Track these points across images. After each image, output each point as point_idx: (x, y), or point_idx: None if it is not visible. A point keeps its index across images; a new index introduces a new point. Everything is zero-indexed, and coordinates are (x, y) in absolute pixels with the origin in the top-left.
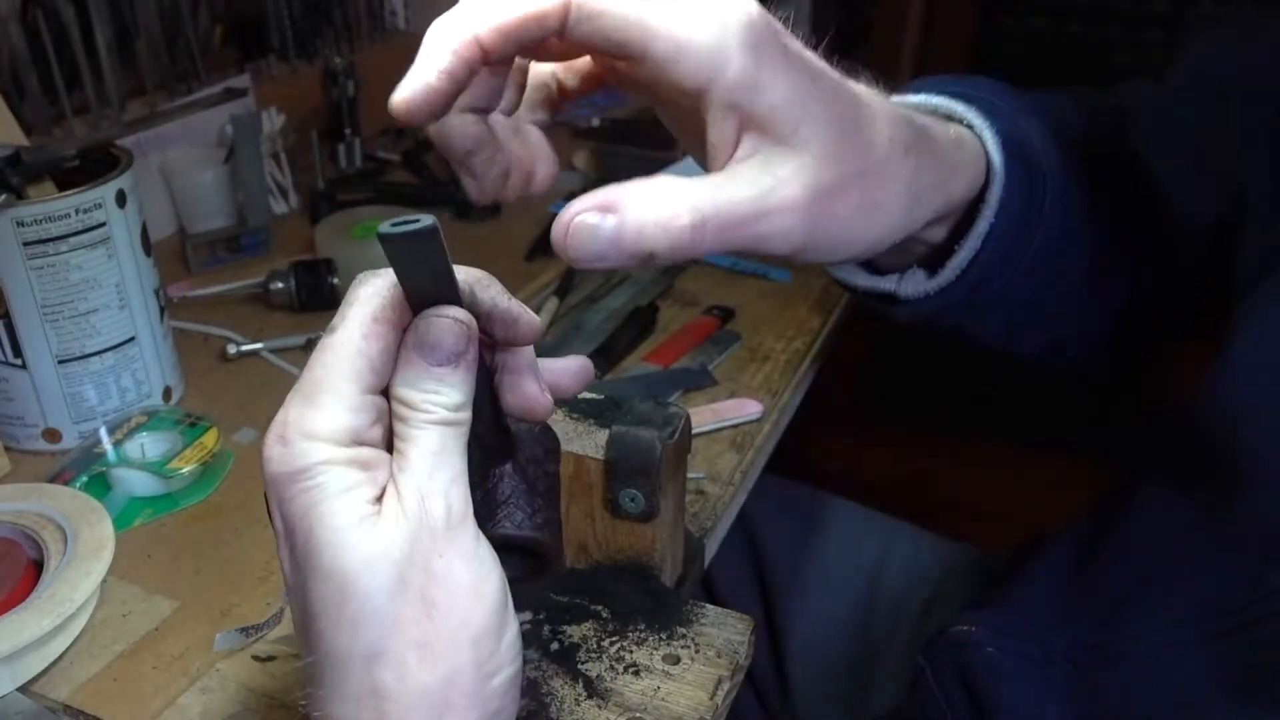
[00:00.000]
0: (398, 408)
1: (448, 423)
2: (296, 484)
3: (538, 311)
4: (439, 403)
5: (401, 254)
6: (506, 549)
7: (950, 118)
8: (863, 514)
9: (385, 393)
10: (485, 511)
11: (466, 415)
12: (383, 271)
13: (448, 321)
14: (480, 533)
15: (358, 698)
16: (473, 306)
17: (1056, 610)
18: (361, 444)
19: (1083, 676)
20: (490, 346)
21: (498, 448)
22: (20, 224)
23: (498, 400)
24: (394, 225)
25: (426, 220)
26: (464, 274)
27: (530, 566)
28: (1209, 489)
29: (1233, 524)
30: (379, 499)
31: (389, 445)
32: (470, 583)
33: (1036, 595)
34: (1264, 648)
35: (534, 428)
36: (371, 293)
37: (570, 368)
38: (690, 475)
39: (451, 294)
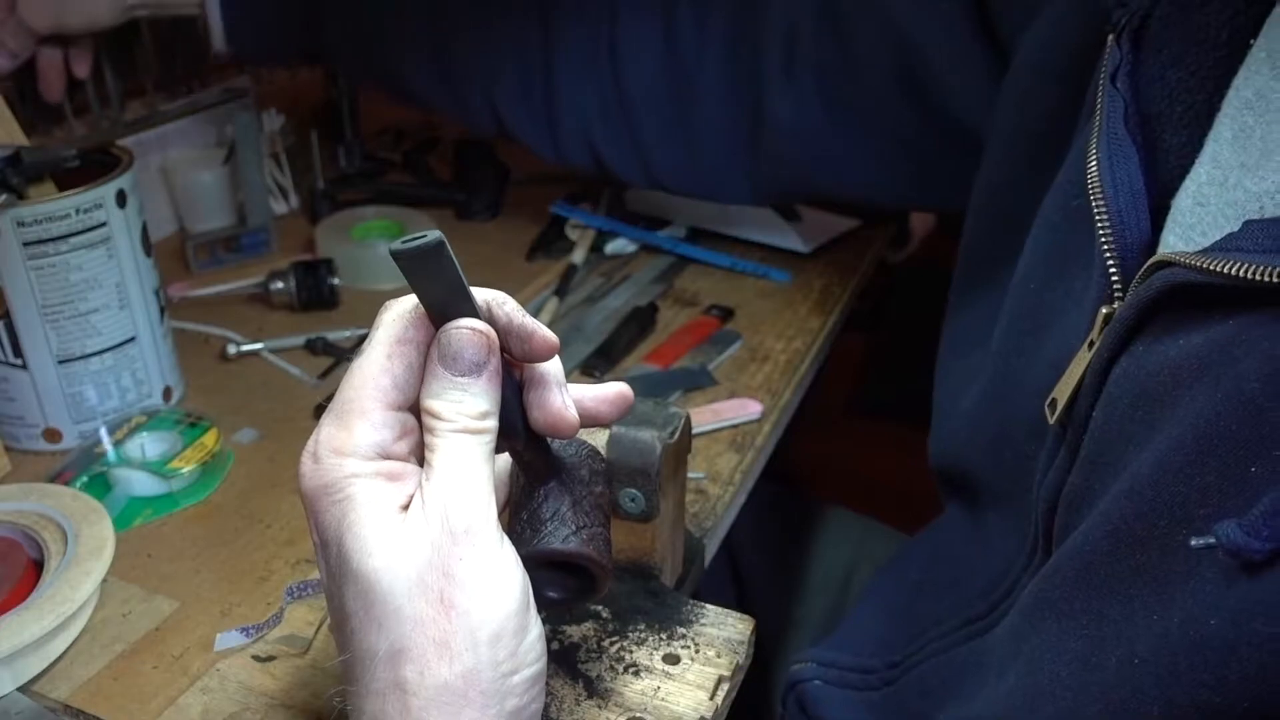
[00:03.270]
0: (426, 419)
1: (472, 431)
2: (328, 497)
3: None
4: (463, 411)
5: (413, 269)
6: (552, 567)
7: None
8: (837, 516)
9: (415, 409)
10: (530, 529)
11: (492, 424)
12: (407, 296)
13: (466, 332)
14: (504, 537)
15: (383, 692)
16: (491, 322)
17: (876, 636)
18: (388, 458)
19: (890, 692)
20: (519, 364)
21: (538, 465)
22: (20, 224)
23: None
24: (405, 242)
25: (433, 235)
26: (480, 293)
27: (578, 587)
28: (971, 503)
29: (988, 531)
30: (405, 507)
31: (421, 459)
32: (489, 585)
33: (861, 624)
34: (999, 633)
35: (581, 450)
36: (395, 315)
37: (608, 395)
38: (690, 475)
39: (468, 306)
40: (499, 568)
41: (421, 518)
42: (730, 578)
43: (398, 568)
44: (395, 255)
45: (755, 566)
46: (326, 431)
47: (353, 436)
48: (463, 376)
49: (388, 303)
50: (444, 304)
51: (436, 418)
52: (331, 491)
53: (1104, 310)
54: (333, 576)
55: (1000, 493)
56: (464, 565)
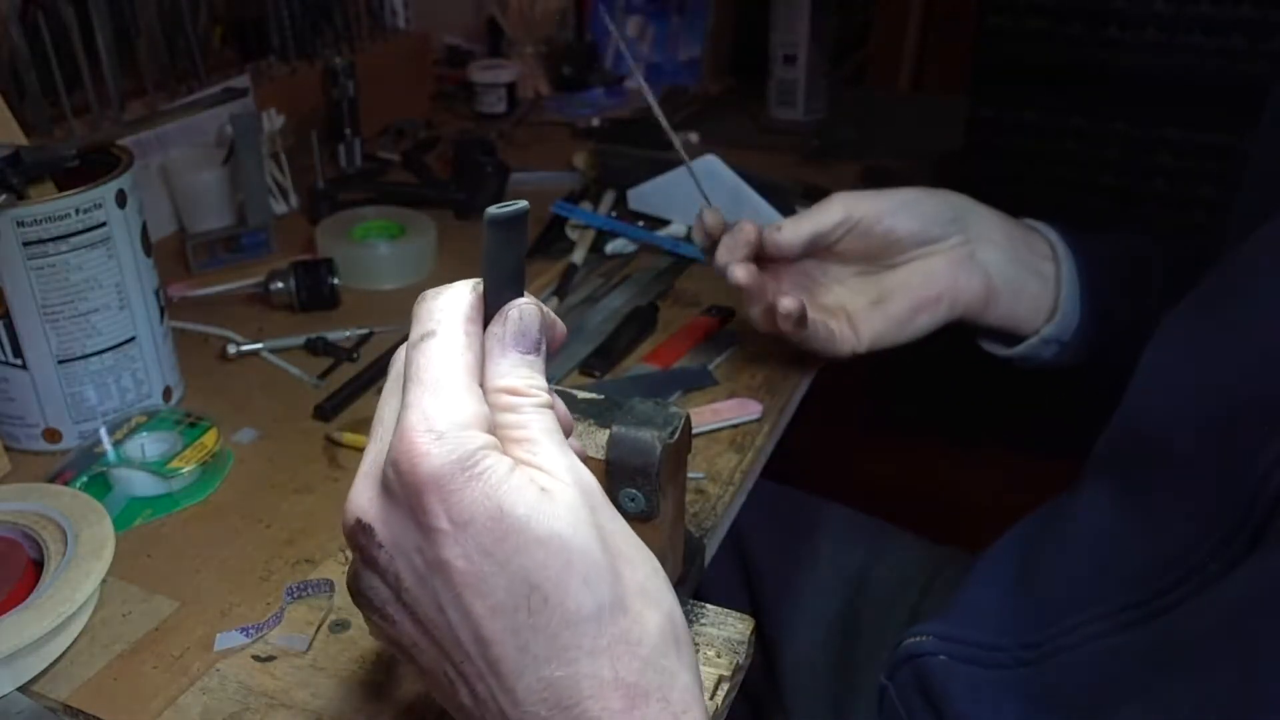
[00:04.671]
0: (503, 399)
1: (549, 406)
2: (466, 472)
3: None
4: (540, 387)
5: (503, 236)
6: None
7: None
8: (850, 517)
9: None
10: None
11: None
12: (448, 286)
13: (533, 309)
14: None
15: (608, 647)
16: None
17: (1002, 613)
18: (490, 431)
19: (1030, 674)
20: None
21: None
22: (20, 224)
23: None
24: (499, 208)
25: (522, 203)
26: None
27: None
28: (1135, 482)
29: (1154, 513)
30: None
31: None
32: (633, 536)
33: (984, 600)
34: (1190, 624)
35: None
36: (455, 298)
37: None
38: (690, 475)
39: (522, 283)
40: (626, 522)
41: (558, 484)
42: (741, 578)
43: (580, 525)
44: (494, 220)
45: (766, 567)
46: (434, 407)
47: (468, 410)
48: (530, 354)
49: (425, 293)
50: (509, 277)
51: (518, 395)
52: (468, 465)
53: None
54: (491, 555)
55: (1192, 472)
56: (612, 521)
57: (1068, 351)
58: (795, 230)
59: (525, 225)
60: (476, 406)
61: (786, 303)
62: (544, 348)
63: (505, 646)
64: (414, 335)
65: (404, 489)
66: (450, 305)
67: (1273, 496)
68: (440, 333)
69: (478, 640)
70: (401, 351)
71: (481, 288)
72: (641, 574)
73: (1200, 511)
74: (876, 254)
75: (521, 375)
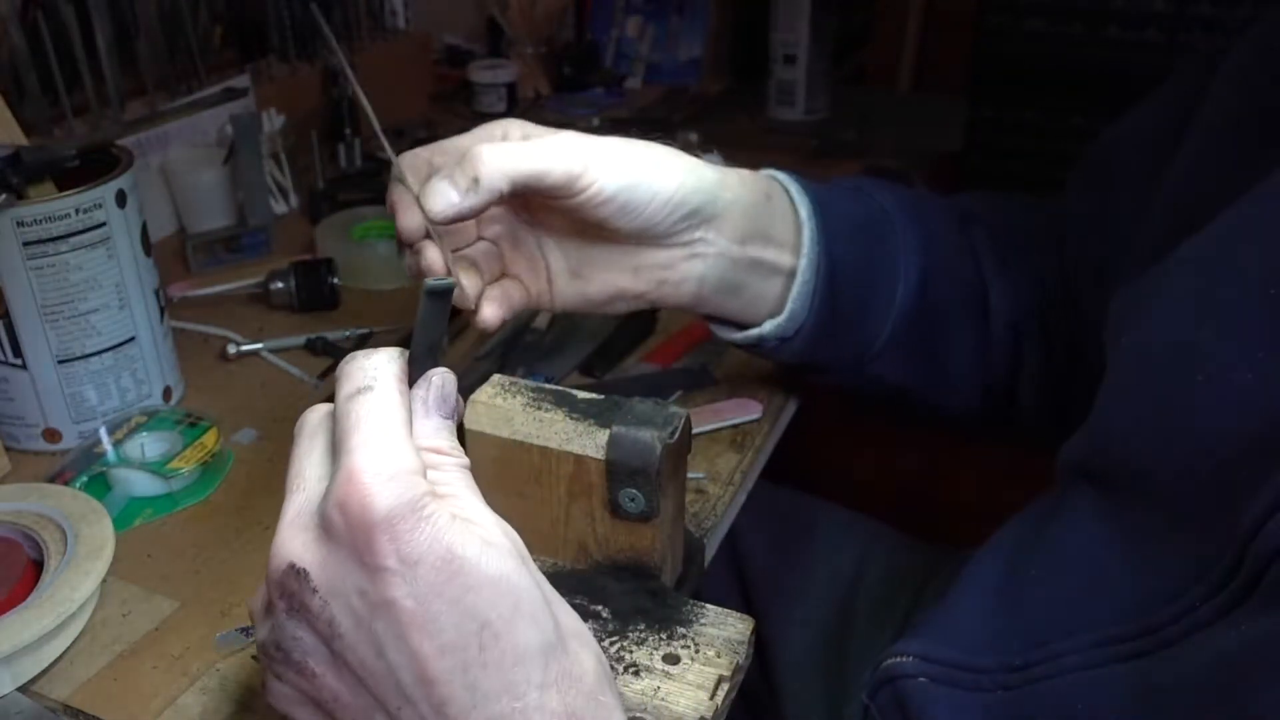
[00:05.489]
0: (429, 457)
1: (469, 468)
2: (415, 514)
3: (537, 312)
4: (458, 449)
5: (434, 306)
6: None
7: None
8: (845, 518)
9: None
10: None
11: None
12: (374, 350)
13: (452, 376)
14: None
15: (554, 682)
16: None
17: (984, 632)
18: None
19: (1011, 698)
20: None
21: None
22: (20, 224)
23: None
24: (435, 281)
25: (452, 279)
26: None
27: None
28: (1122, 506)
29: (1143, 543)
30: None
31: None
32: (554, 590)
33: (964, 617)
34: (1180, 667)
35: None
36: (387, 359)
37: None
38: (690, 475)
39: (439, 353)
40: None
41: (490, 534)
42: (735, 579)
43: (521, 568)
44: (431, 290)
45: (760, 568)
46: (381, 454)
47: (410, 459)
48: (449, 418)
49: (354, 354)
50: (433, 344)
51: (444, 454)
52: (417, 509)
53: None
54: (440, 594)
55: (1179, 505)
56: (539, 574)
57: (791, 348)
58: (506, 165)
59: (450, 300)
60: (416, 458)
61: (488, 314)
62: (456, 416)
63: (453, 685)
64: (347, 389)
65: (351, 530)
66: (384, 365)
67: (1266, 550)
68: (378, 388)
69: (423, 681)
70: (311, 413)
71: (407, 356)
72: (573, 619)
73: (1190, 549)
74: (585, 233)
75: (444, 437)
